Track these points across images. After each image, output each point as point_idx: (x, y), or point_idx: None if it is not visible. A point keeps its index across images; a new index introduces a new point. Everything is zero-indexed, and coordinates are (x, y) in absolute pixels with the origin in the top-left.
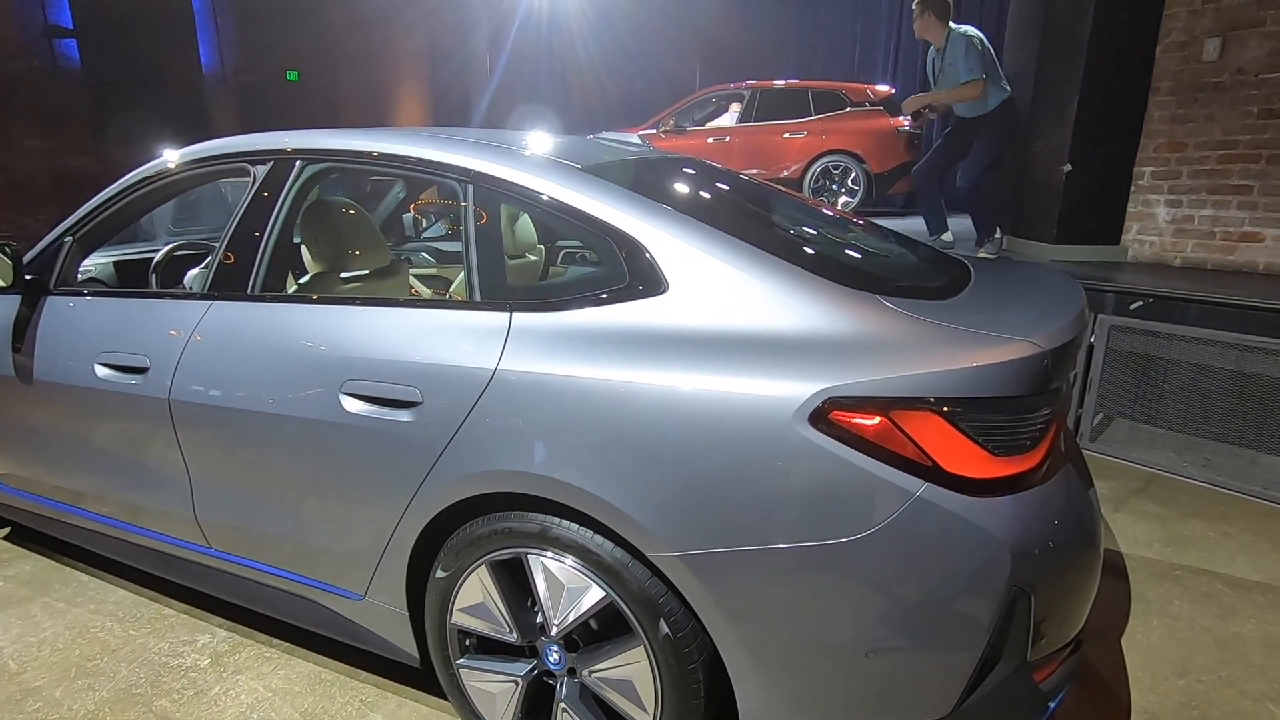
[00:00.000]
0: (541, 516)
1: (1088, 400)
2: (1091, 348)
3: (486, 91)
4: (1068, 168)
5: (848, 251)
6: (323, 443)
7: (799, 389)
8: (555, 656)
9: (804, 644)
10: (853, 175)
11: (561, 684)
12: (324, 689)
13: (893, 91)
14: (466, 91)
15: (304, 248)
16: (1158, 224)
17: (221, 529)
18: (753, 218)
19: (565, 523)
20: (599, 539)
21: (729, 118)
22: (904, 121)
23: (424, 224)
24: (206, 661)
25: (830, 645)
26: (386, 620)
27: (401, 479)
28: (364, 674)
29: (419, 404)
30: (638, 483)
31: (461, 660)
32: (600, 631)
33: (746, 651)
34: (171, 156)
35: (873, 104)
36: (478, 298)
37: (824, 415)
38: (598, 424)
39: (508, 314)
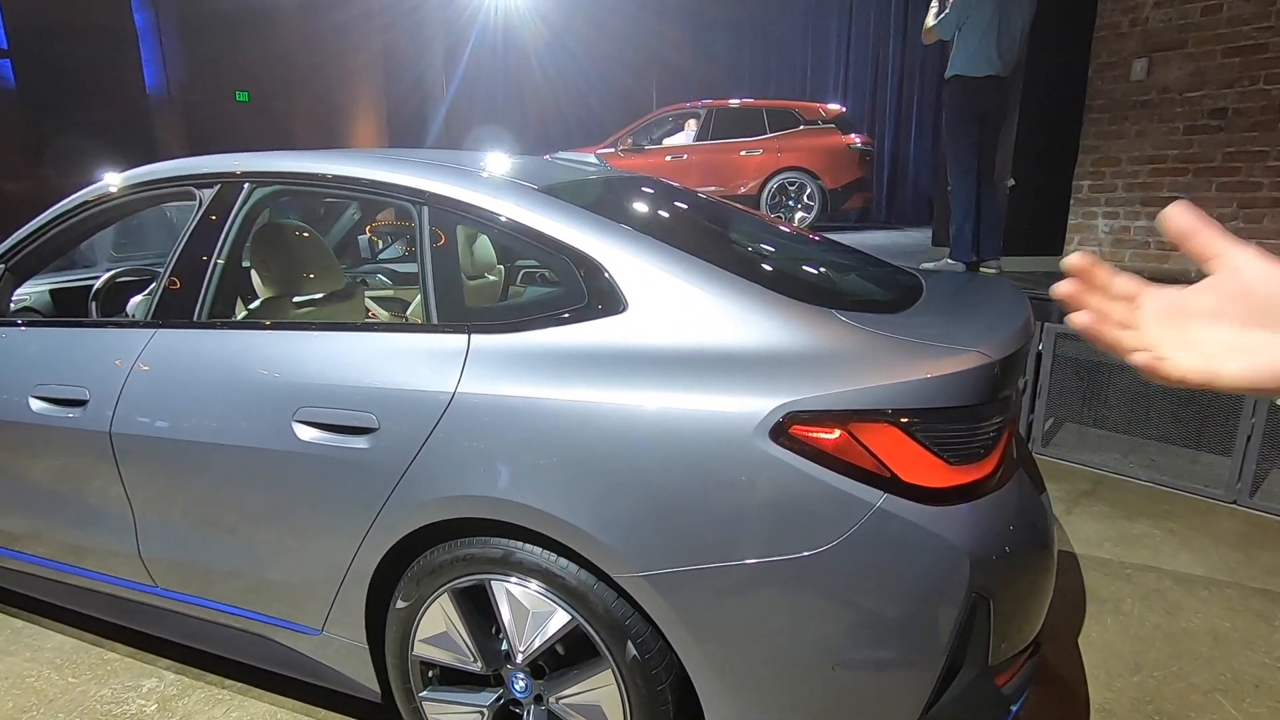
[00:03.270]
0: (504, 541)
1: (1038, 406)
2: (1040, 355)
3: (441, 110)
4: (1011, 182)
5: (804, 267)
6: (275, 473)
7: (759, 404)
8: (521, 684)
9: (771, 659)
10: (808, 191)
11: (528, 712)
12: None
13: (843, 110)
14: (422, 110)
15: (254, 272)
16: (1097, 235)
17: (168, 567)
18: (710, 236)
19: (529, 546)
20: (563, 562)
21: (685, 136)
22: (854, 139)
23: (380, 246)
24: (153, 707)
25: (797, 659)
26: (345, 654)
27: (358, 507)
28: (321, 711)
29: (375, 429)
30: (601, 504)
31: (424, 692)
32: (566, 656)
33: (714, 670)
34: (113, 180)
35: (825, 122)
36: (435, 320)
37: (784, 430)
38: (559, 445)
39: (466, 335)
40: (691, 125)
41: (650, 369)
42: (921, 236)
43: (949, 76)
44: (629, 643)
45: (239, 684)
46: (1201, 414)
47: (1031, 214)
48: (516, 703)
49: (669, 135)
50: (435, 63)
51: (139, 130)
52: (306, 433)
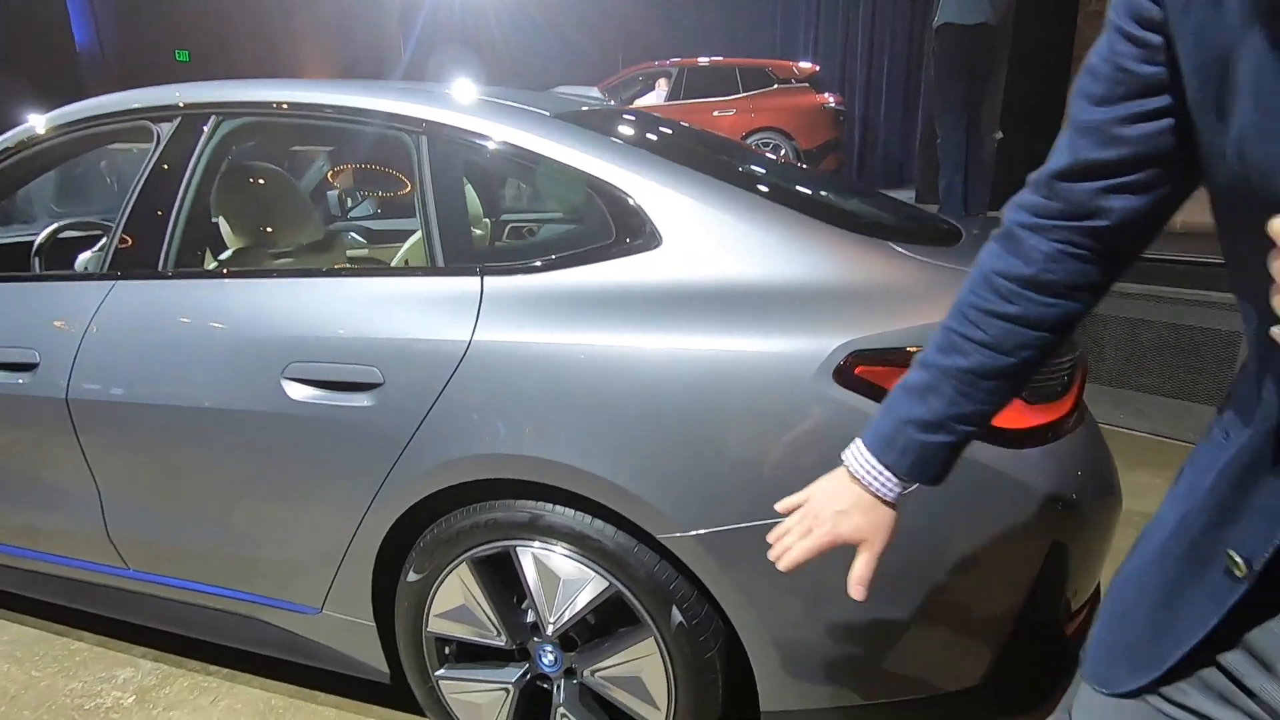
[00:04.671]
0: (531, 503)
1: None
2: None
3: (399, 74)
4: (999, 135)
5: (845, 201)
6: (262, 438)
7: (819, 344)
8: (550, 658)
9: (832, 620)
10: (783, 152)
11: (558, 687)
12: (276, 716)
13: (817, 69)
14: (377, 73)
15: (222, 221)
16: None
17: (140, 546)
18: (743, 170)
19: (559, 508)
20: (599, 524)
21: (656, 96)
22: (829, 99)
23: (350, 203)
24: (131, 699)
25: (861, 618)
26: (349, 634)
27: (362, 472)
28: (321, 695)
29: (379, 385)
30: (641, 458)
31: (441, 671)
32: (600, 626)
33: (769, 633)
34: (39, 121)
35: (799, 81)
36: (441, 262)
37: (848, 371)
38: (592, 395)
39: (478, 278)
40: (662, 85)
41: (690, 309)
42: (901, 196)
43: (938, 25)
44: (674, 609)
45: (226, 670)
46: (1194, 363)
47: (1019, 168)
48: (545, 678)
49: (639, 96)
50: (390, 23)
51: (68, 90)
52: (299, 391)
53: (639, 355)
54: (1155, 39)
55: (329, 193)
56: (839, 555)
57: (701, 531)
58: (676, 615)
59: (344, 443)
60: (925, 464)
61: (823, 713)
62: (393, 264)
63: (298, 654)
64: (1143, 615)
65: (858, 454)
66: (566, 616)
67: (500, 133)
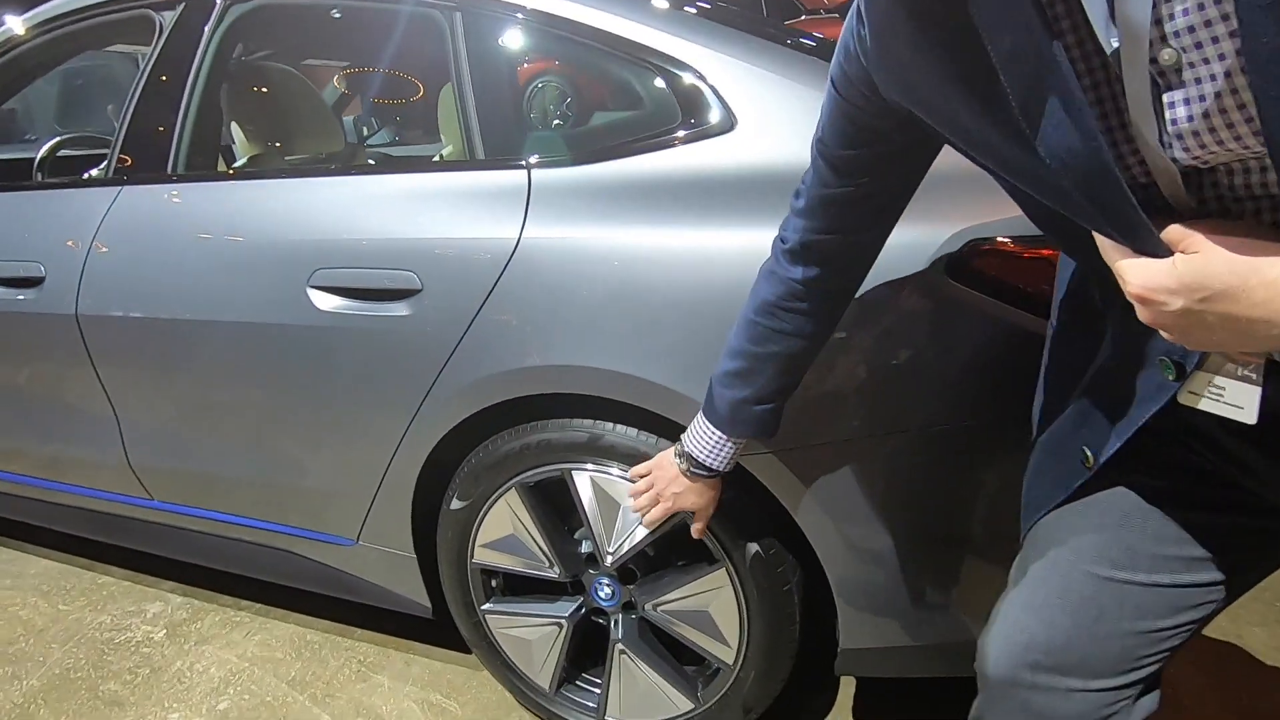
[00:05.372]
0: (589, 422)
1: None
2: None
3: None
4: None
5: None
6: (288, 353)
7: (930, 234)
8: (607, 591)
9: (937, 552)
10: None
11: (615, 622)
12: (312, 652)
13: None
14: None
15: (234, 127)
16: None
17: (163, 476)
18: (813, 44)
19: (620, 428)
20: (665, 444)
21: None
22: None
23: (366, 131)
24: (161, 634)
25: (969, 548)
26: (387, 566)
27: (400, 389)
28: (359, 631)
29: (417, 291)
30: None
31: (488, 605)
32: (660, 557)
33: (855, 562)
34: (17, 22)
35: (827, 11)
36: (481, 155)
37: (967, 263)
38: (657, 298)
39: (524, 171)
40: None
41: (770, 199)
42: None
43: None
44: (750, 538)
45: (258, 604)
46: None
47: None
48: (600, 612)
49: None
50: None
51: None
52: (327, 301)
53: (711, 252)
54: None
55: (345, 119)
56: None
57: (786, 449)
58: (753, 545)
59: (378, 357)
60: (763, 426)
61: (906, 651)
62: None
63: (333, 588)
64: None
65: (700, 436)
66: (627, 547)
67: (544, 3)
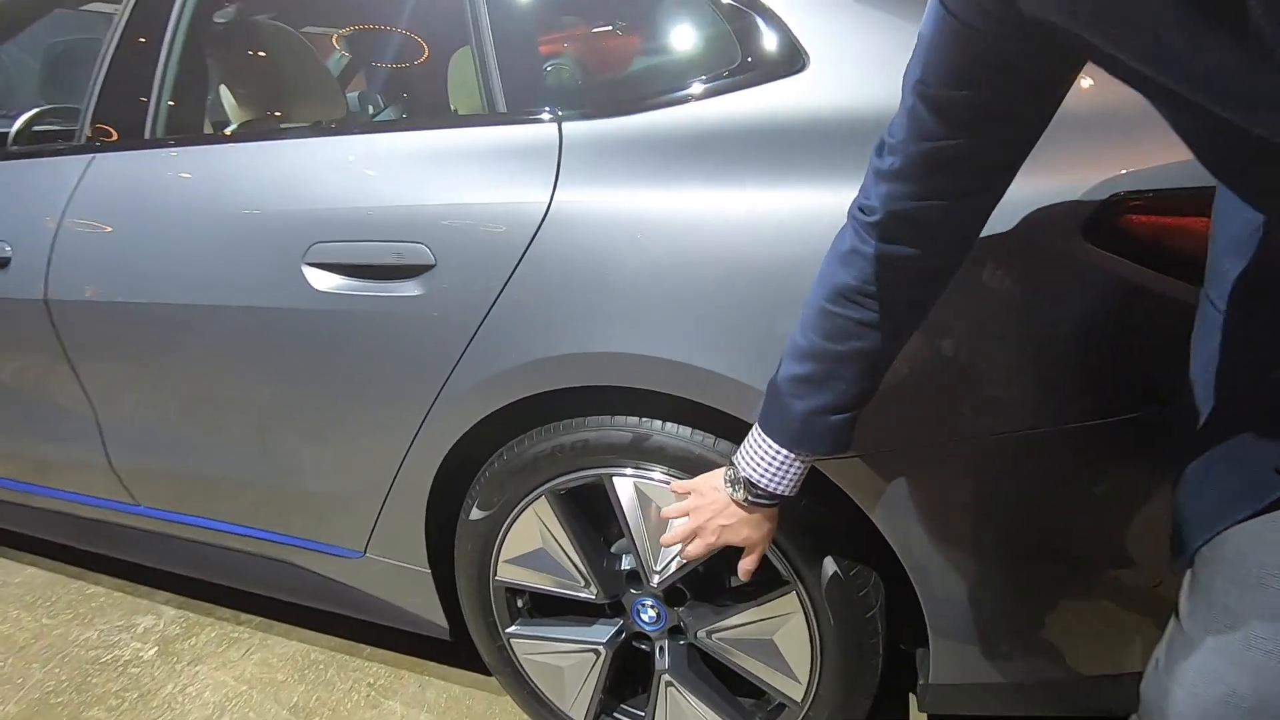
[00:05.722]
0: (633, 420)
1: None
2: None
3: None
4: None
5: None
6: (281, 341)
7: (1060, 187)
8: (651, 614)
9: (1053, 575)
10: None
11: (661, 649)
12: (317, 673)
13: None
14: None
15: (225, 91)
16: None
17: (148, 479)
18: None
19: (671, 426)
20: (724, 445)
21: None
22: None
23: (372, 109)
24: (152, 651)
25: (1091, 571)
26: (398, 582)
27: (410, 382)
28: (368, 649)
29: (429, 268)
30: None
31: (513, 628)
32: (712, 574)
33: (959, 588)
34: None
35: None
36: (503, 108)
37: (1110, 223)
38: (718, 271)
39: (555, 125)
40: None
41: (853, 150)
42: None
43: None
44: (828, 558)
45: (259, 618)
46: None
47: None
48: (643, 637)
49: None
50: None
51: None
52: (325, 280)
53: (781, 216)
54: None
55: (349, 95)
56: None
57: (873, 451)
58: (830, 565)
59: (385, 344)
60: (841, 441)
61: (1004, 689)
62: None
63: (338, 604)
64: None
65: (759, 457)
66: (676, 566)
67: None
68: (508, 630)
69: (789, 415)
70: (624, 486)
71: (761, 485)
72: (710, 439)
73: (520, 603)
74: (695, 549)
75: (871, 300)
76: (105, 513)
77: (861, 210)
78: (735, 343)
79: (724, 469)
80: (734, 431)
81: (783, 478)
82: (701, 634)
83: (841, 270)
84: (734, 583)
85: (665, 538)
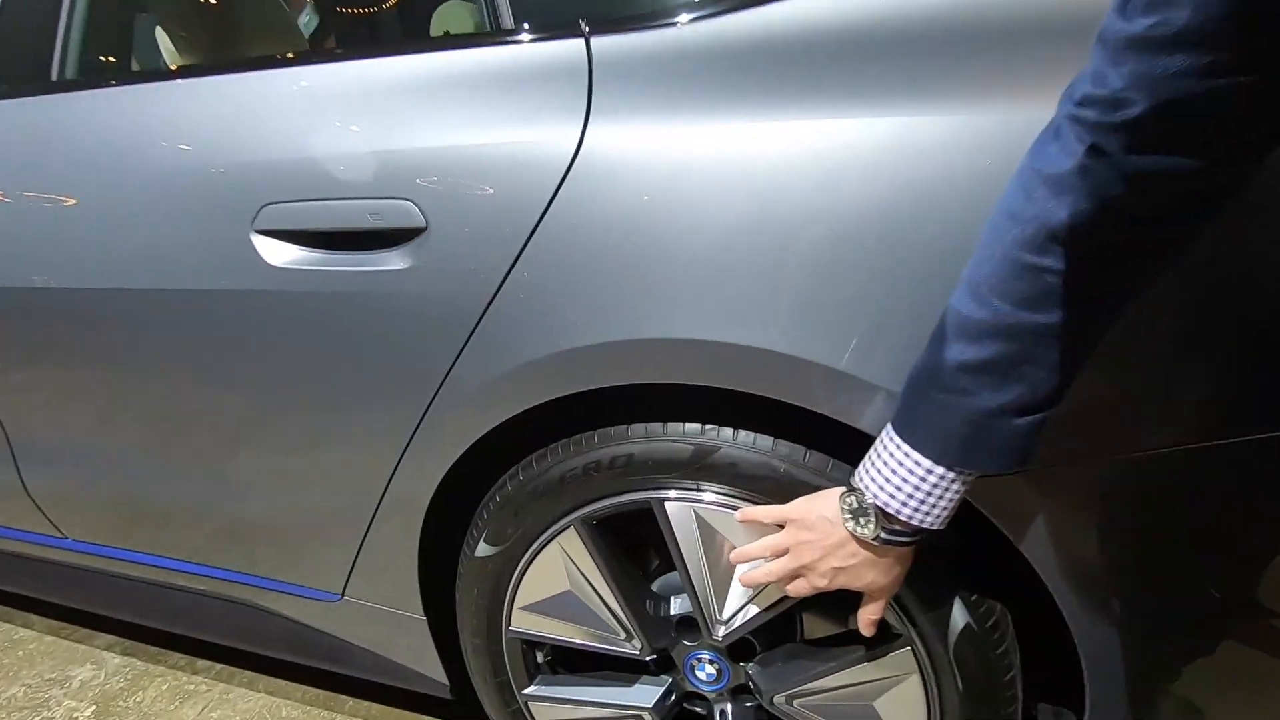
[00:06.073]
0: (694, 428)
1: None
2: None
3: None
4: None
5: None
6: (225, 333)
7: None
8: (710, 671)
9: (1245, 621)
10: None
11: (723, 716)
12: None
13: None
14: None
15: (160, 34)
16: None
17: (72, 506)
18: None
19: (744, 435)
20: (816, 459)
21: None
22: None
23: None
24: (89, 711)
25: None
26: (387, 630)
27: (398, 382)
28: (350, 702)
29: (420, 232)
30: (910, 338)
31: (532, 689)
32: (788, 622)
33: (1130, 639)
34: None
35: None
36: (511, 22)
37: None
38: (824, 227)
39: (581, 40)
40: None
41: (998, 58)
42: None
43: None
44: (957, 602)
45: (219, 667)
46: None
47: None
48: (699, 697)
49: None
50: None
51: None
52: (280, 252)
53: (920, 146)
54: None
55: (306, 14)
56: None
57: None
58: (959, 614)
59: (362, 334)
60: (1025, 452)
61: None
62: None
63: (313, 657)
64: None
65: (900, 477)
66: (752, 613)
67: None
68: (525, 692)
69: (953, 418)
70: (680, 514)
71: (902, 517)
72: (802, 452)
73: (540, 657)
74: (796, 590)
75: (1104, 245)
76: (27, 546)
77: (1087, 105)
78: (842, 322)
79: (837, 494)
80: (833, 443)
81: (932, 506)
82: (779, 698)
83: (1054, 202)
84: (815, 632)
85: (750, 576)
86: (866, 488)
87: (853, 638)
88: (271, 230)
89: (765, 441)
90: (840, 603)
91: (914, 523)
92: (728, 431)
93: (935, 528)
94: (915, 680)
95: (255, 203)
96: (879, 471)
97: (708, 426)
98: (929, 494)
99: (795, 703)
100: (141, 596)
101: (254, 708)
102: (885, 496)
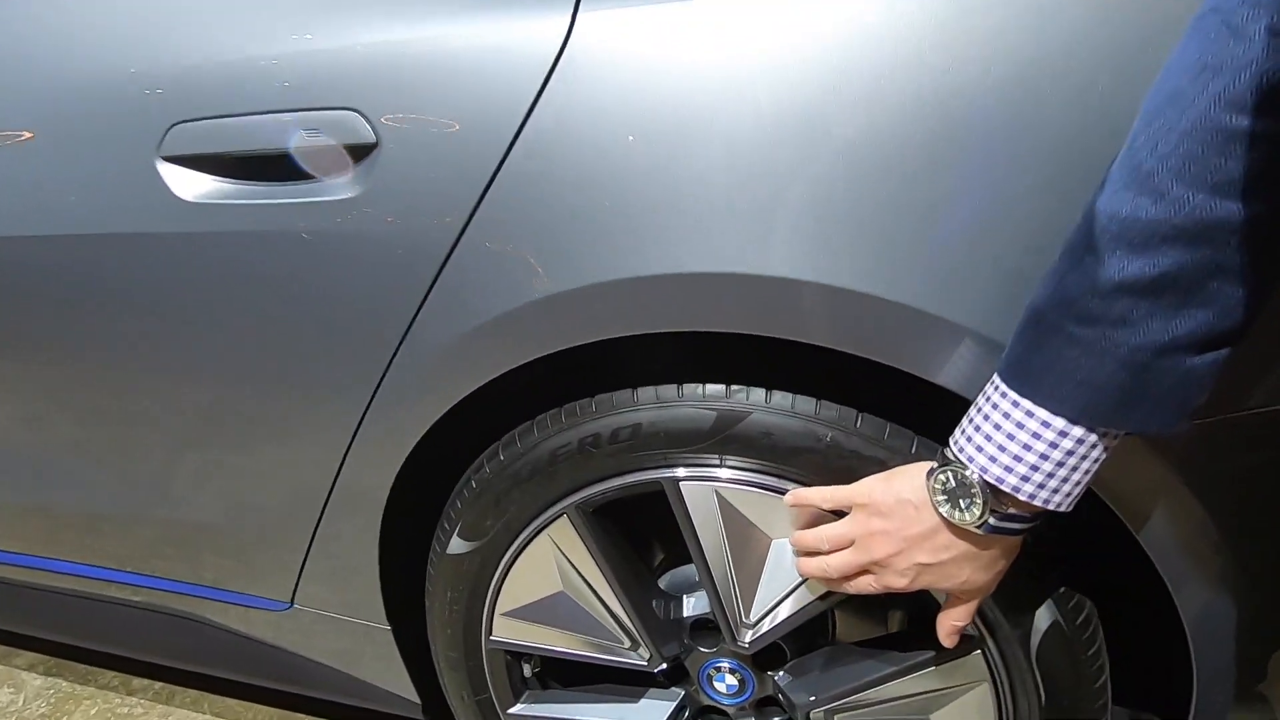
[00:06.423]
0: (718, 390)
1: None
2: None
3: None
4: None
5: None
6: (131, 286)
7: None
8: (731, 681)
9: None
10: None
11: None
12: None
13: None
14: None
15: None
16: None
17: None
18: None
19: (781, 398)
20: (874, 425)
21: None
22: None
23: None
24: None
25: None
26: (342, 642)
27: (346, 343)
28: None
29: (369, 150)
30: (1005, 273)
31: (519, 708)
32: (818, 626)
33: (1251, 631)
34: None
35: None
36: None
37: None
38: (882, 122)
39: None
40: None
41: None
42: None
43: None
44: (1045, 597)
45: (157, 685)
46: None
47: None
48: (717, 712)
49: None
50: None
51: None
52: (195, 183)
53: (981, 43)
54: None
55: None
56: None
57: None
58: (1048, 610)
59: (300, 285)
60: (1193, 401)
61: None
62: None
63: (263, 675)
64: None
65: (1022, 441)
66: (785, 614)
67: None
68: (510, 711)
69: (1104, 360)
70: (699, 496)
71: (1021, 496)
72: (850, 415)
73: (528, 670)
74: (860, 588)
75: None
76: None
77: None
78: (912, 244)
79: (922, 470)
80: (933, 422)
81: (1063, 481)
82: (815, 713)
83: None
84: (851, 635)
85: (806, 566)
86: (971, 459)
87: (902, 639)
88: (183, 156)
89: (806, 403)
90: (883, 598)
91: (1036, 502)
92: (759, 393)
93: (1063, 509)
94: (985, 690)
95: (161, 122)
96: (988, 438)
97: (734, 387)
98: (1060, 464)
99: (836, 718)
100: (63, 610)
101: None
102: (999, 470)
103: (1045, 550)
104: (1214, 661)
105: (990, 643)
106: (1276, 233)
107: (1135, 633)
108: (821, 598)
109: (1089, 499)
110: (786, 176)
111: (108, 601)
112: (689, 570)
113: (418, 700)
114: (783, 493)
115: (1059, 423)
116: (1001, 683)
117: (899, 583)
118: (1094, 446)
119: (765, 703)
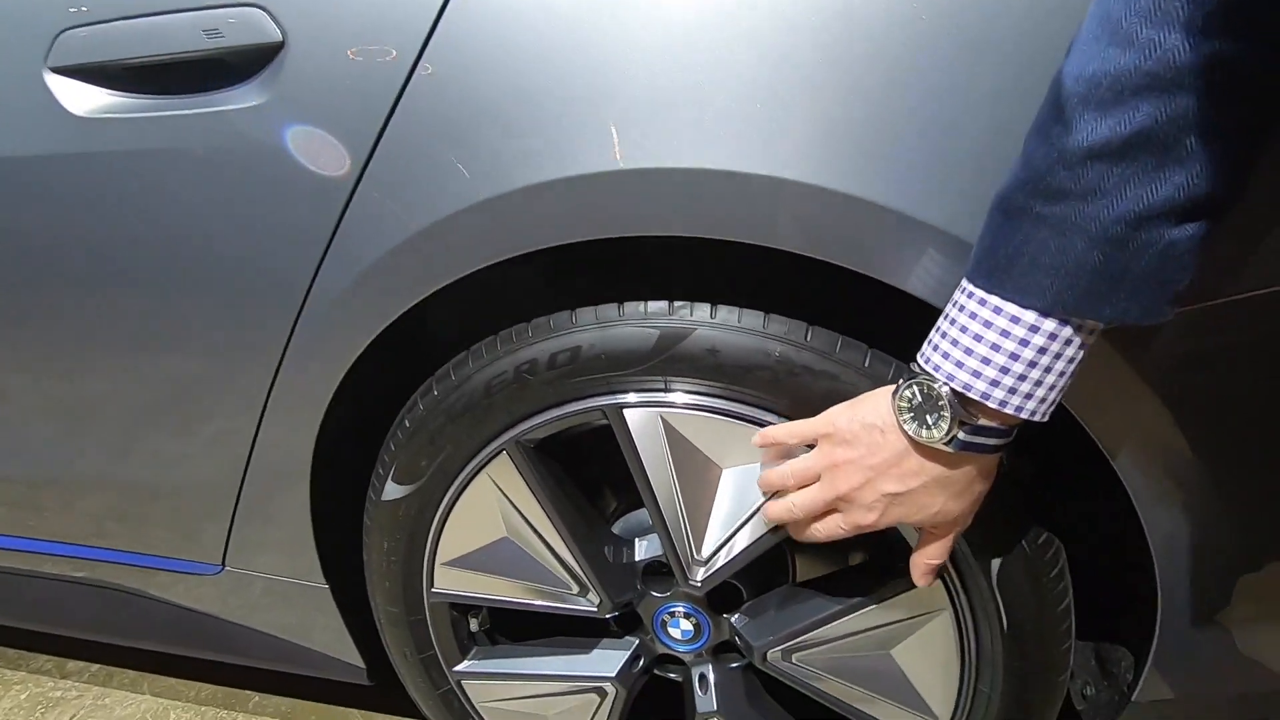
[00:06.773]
0: (660, 306)
1: None
2: None
3: None
4: None
5: None
6: (20, 214)
7: None
8: (686, 626)
9: None
10: None
11: (702, 678)
12: None
13: None
14: None
15: None
16: None
17: None
18: None
19: (727, 314)
20: (823, 337)
21: None
22: None
23: None
24: None
25: None
26: (280, 605)
27: (258, 271)
28: (255, 698)
29: (276, 50)
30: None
31: (466, 664)
32: (774, 565)
33: (1222, 562)
34: None
35: None
36: None
37: None
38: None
39: None
40: None
41: None
42: None
43: None
44: (1000, 516)
45: (94, 667)
46: None
47: None
48: (673, 659)
49: None
50: None
51: None
52: (86, 96)
53: None
54: None
55: None
56: None
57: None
58: (1012, 541)
59: (204, 207)
60: (1183, 280)
61: (1222, 702)
62: None
63: (200, 647)
64: None
65: (990, 341)
66: (740, 547)
67: None
68: (457, 669)
69: (1074, 238)
70: (644, 423)
71: (991, 403)
72: (800, 328)
73: (475, 624)
74: (828, 531)
75: None
76: None
77: None
78: (880, 135)
79: (888, 392)
80: (900, 340)
81: (1037, 383)
82: (772, 654)
83: None
84: (810, 572)
85: (772, 510)
86: (938, 368)
87: (861, 572)
88: (73, 67)
89: (754, 318)
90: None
91: (1008, 410)
92: (704, 308)
93: (1038, 418)
94: (946, 619)
95: (48, 29)
96: (954, 343)
97: (677, 303)
98: (1032, 364)
99: (793, 658)
100: None
101: (135, 713)
102: (966, 376)
103: (1011, 475)
104: (1178, 587)
105: (949, 569)
106: (1254, 79)
107: (1097, 563)
108: (773, 530)
109: (1058, 414)
110: (732, 60)
111: (40, 577)
112: (643, 515)
113: (362, 665)
114: (732, 416)
115: (1029, 317)
116: (963, 610)
117: (868, 518)
118: (1068, 343)
119: (722, 648)
